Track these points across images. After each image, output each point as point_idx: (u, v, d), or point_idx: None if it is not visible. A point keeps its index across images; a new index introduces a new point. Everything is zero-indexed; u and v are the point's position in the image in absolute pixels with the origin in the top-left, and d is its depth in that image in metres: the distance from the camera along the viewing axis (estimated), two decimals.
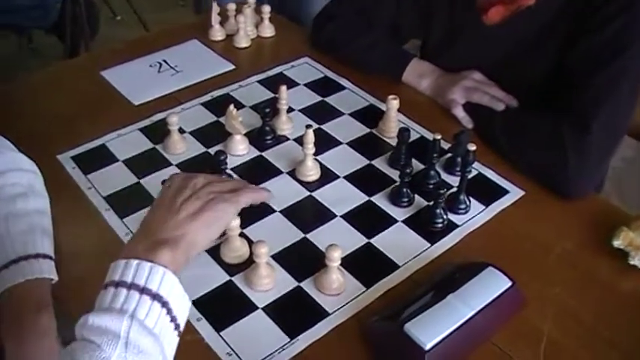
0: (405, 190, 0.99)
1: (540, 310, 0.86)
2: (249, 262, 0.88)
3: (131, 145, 1.10)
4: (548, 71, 1.11)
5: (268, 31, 1.40)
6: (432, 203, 0.98)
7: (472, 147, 0.95)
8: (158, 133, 1.12)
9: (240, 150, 1.09)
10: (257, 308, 0.84)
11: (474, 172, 1.05)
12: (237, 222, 0.86)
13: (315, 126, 1.16)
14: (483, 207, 1.01)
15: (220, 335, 0.81)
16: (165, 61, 1.31)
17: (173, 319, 0.61)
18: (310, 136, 1.00)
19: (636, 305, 0.88)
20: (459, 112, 1.16)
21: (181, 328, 0.63)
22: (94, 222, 0.97)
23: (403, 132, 1.05)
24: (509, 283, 0.83)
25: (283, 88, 1.10)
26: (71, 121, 1.15)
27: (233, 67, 1.31)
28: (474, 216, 0.99)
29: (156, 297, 0.60)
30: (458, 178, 1.05)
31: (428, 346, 0.74)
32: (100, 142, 1.11)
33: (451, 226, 0.97)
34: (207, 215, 0.69)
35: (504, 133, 1.08)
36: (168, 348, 0.61)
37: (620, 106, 1.01)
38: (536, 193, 1.04)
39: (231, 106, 1.06)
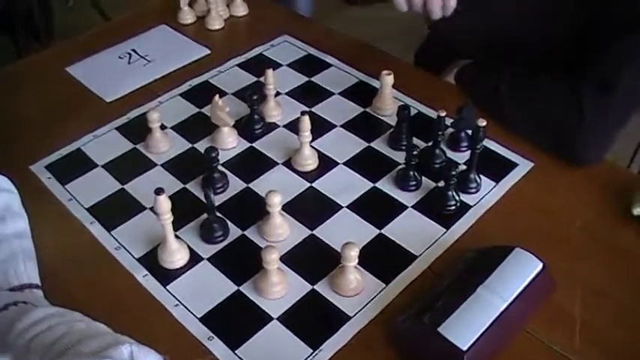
0: (412, 172, 0.93)
1: (569, 289, 0.81)
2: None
3: (109, 146, 1.01)
4: (569, 34, 1.03)
5: (241, 9, 1.31)
6: (442, 184, 0.92)
7: (482, 122, 0.89)
8: (137, 130, 1.03)
9: (229, 143, 1.01)
10: (272, 319, 0.78)
11: None
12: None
13: (306, 109, 1.08)
14: (494, 183, 0.95)
15: (236, 354, 0.74)
16: (134, 51, 1.21)
17: None
18: (306, 123, 0.93)
19: None
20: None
21: None
22: (80, 237, 0.88)
23: (403, 110, 0.98)
24: (540, 266, 0.78)
25: (270, 72, 1.02)
26: (39, 126, 1.06)
27: (208, 51, 1.22)
28: (486, 194, 0.94)
29: None
30: (462, 155, 1.00)
31: (465, 348, 0.68)
32: (75, 147, 1.01)
33: (464, 207, 0.91)
34: None
35: (511, 97, 1.01)
36: None
37: None
38: (545, 163, 0.98)
39: (217, 97, 0.98)
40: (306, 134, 0.94)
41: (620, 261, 0.86)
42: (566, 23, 1.04)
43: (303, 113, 0.93)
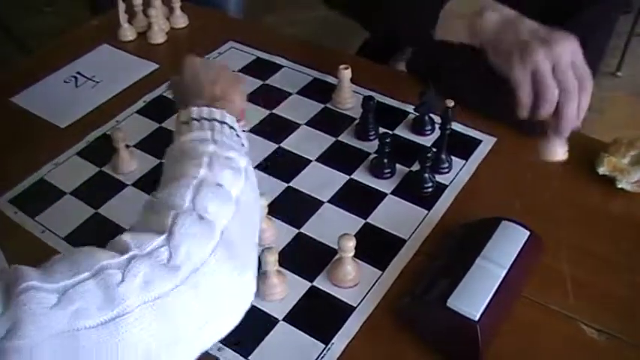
0: (386, 160, 0.95)
1: (553, 251, 0.85)
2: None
3: (73, 172, 0.98)
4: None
5: (181, 21, 1.29)
6: (416, 168, 0.95)
7: (450, 103, 0.92)
8: (100, 153, 1.00)
9: None
10: (278, 321, 0.77)
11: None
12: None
13: (267, 112, 1.08)
14: (464, 161, 0.98)
15: None
16: (79, 74, 1.17)
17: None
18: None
19: (635, 226, 0.89)
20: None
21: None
22: None
23: (368, 101, 1.00)
24: (528, 233, 0.81)
25: None
26: None
27: (156, 66, 1.19)
28: (458, 173, 0.97)
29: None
30: (427, 138, 1.02)
31: (477, 317, 0.70)
32: (38, 177, 0.97)
33: (440, 188, 0.94)
34: None
35: (466, 74, 1.03)
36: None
37: (601, 43, 1.00)
38: (507, 137, 1.02)
39: None
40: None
41: (594, 219, 0.90)
42: (525, 5, 1.07)
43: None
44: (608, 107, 2.41)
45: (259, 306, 0.79)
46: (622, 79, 2.57)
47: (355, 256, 0.82)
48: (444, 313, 0.71)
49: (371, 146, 1.00)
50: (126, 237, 0.55)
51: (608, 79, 2.55)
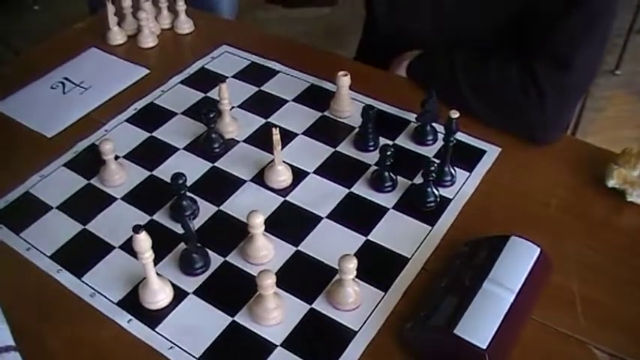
0: (387, 173, 0.91)
1: (562, 268, 0.81)
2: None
3: (60, 185, 0.93)
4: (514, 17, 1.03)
5: (187, 26, 1.24)
6: (419, 182, 0.91)
7: (455, 114, 0.88)
8: (88, 164, 0.96)
9: None
10: (275, 347, 0.73)
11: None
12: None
13: (263, 121, 1.04)
14: (467, 173, 0.95)
15: None
16: (67, 79, 1.12)
17: None
18: (278, 138, 0.88)
19: None
20: None
21: None
22: (48, 289, 0.81)
23: (368, 109, 0.96)
24: (538, 251, 0.77)
25: (224, 86, 0.97)
26: None
27: (147, 71, 1.15)
28: (462, 185, 0.93)
29: None
30: (429, 148, 0.99)
31: (485, 346, 0.67)
32: (23, 190, 0.93)
33: (444, 202, 0.90)
34: None
35: (467, 82, 1.00)
36: None
37: (596, 45, 0.97)
38: (512, 146, 0.99)
39: None
40: (279, 148, 0.89)
41: (604, 233, 0.87)
42: (509, 6, 1.04)
43: (274, 127, 0.89)
44: (607, 106, 2.38)
45: (255, 331, 0.75)
46: (621, 78, 2.54)
47: (356, 275, 0.78)
48: (451, 340, 0.68)
49: (371, 157, 0.96)
50: None
51: (607, 78, 2.52)
